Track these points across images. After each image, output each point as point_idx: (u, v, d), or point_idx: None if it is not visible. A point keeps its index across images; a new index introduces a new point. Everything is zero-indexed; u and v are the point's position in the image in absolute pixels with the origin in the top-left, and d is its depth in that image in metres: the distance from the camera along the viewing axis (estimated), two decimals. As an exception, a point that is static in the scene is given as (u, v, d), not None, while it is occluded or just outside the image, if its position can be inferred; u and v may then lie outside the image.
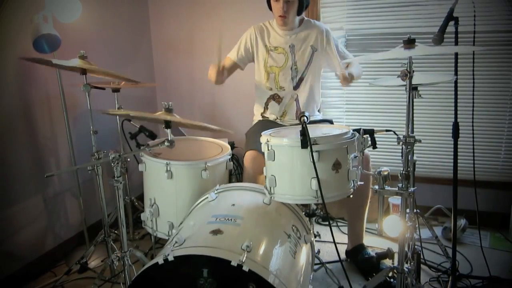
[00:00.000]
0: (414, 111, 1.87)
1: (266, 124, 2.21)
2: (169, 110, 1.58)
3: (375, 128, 1.59)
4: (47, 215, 2.25)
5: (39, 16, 1.91)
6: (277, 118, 2.28)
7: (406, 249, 1.57)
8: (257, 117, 2.37)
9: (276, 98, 2.27)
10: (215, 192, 1.63)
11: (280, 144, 1.48)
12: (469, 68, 1.89)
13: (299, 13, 2.16)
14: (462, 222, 2.39)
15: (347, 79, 2.04)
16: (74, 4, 1.98)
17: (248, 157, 1.98)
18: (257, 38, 2.25)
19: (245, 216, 1.45)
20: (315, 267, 1.94)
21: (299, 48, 2.22)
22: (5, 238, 2.02)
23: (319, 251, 2.14)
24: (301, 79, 2.24)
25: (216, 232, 1.30)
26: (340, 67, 2.14)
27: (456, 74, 1.79)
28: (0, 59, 1.97)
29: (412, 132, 1.64)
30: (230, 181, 2.05)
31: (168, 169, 1.74)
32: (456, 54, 1.81)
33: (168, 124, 1.57)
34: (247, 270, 1.13)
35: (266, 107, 2.31)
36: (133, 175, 2.77)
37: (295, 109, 2.26)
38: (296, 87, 2.25)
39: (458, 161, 1.81)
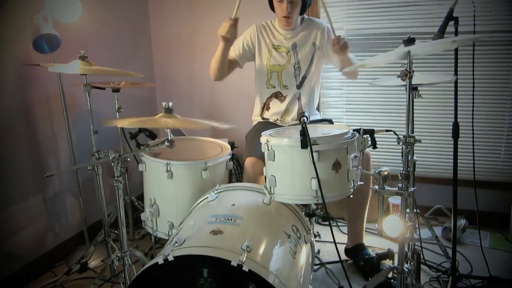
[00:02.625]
0: (414, 111, 1.88)
1: (265, 126, 2.19)
2: (169, 111, 1.58)
3: (375, 128, 1.59)
4: (47, 215, 2.25)
5: (39, 16, 1.91)
6: (278, 119, 2.27)
7: (406, 249, 1.57)
8: (257, 118, 2.35)
9: (279, 96, 2.26)
10: (215, 192, 1.63)
11: (280, 144, 1.48)
12: (469, 68, 1.89)
13: (301, 12, 2.16)
14: (462, 222, 2.39)
15: (344, 46, 2.00)
16: (74, 4, 1.98)
17: (248, 163, 1.98)
18: (259, 37, 2.24)
19: (245, 216, 1.44)
20: (315, 267, 1.93)
21: (302, 47, 2.21)
22: (5, 238, 2.01)
23: (319, 251, 2.13)
24: (304, 78, 2.23)
25: (216, 232, 1.30)
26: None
27: (456, 74, 1.78)
28: (0, 59, 1.97)
29: (412, 132, 1.64)
30: (230, 181, 2.05)
31: (168, 169, 1.74)
32: (456, 53, 1.80)
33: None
34: (247, 270, 1.13)
35: (267, 106, 2.30)
36: (133, 175, 2.76)
37: (297, 108, 2.25)
38: (299, 85, 2.24)
39: (458, 161, 1.81)
